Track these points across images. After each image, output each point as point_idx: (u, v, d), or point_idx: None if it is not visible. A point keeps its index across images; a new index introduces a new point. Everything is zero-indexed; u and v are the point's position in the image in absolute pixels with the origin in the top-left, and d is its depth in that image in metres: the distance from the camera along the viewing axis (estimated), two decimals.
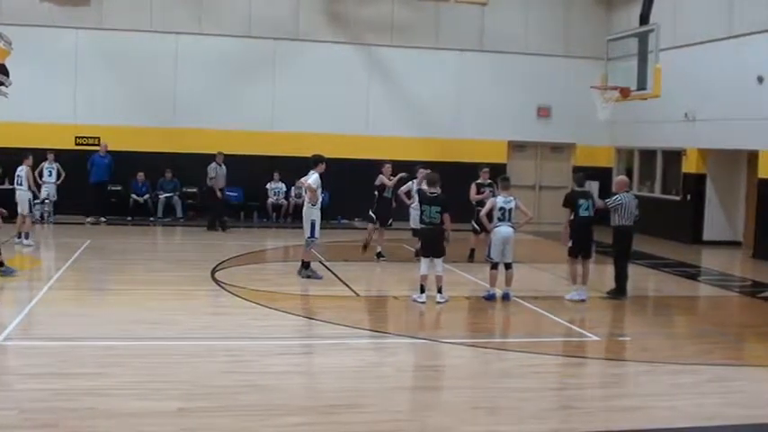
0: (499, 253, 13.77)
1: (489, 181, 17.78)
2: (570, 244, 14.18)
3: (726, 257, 20.90)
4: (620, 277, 14.50)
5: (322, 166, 15.22)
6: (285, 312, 12.41)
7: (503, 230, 13.71)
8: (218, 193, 22.42)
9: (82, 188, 22.62)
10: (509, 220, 13.79)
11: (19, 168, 18.52)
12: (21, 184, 18.34)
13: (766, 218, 20.10)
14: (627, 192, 14.48)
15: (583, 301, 13.90)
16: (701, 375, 9.82)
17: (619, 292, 14.42)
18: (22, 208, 18.15)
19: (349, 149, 23.92)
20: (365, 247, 17.85)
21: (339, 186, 21.65)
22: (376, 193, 17.72)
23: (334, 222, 23.68)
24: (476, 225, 17.71)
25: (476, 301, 14.06)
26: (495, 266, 13.82)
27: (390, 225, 18.02)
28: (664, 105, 20.41)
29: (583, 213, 14.02)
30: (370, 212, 17.87)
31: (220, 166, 22.40)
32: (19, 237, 17.92)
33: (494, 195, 15.64)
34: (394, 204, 17.95)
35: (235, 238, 21.04)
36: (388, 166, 17.89)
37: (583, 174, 15.13)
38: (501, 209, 13.73)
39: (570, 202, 14.20)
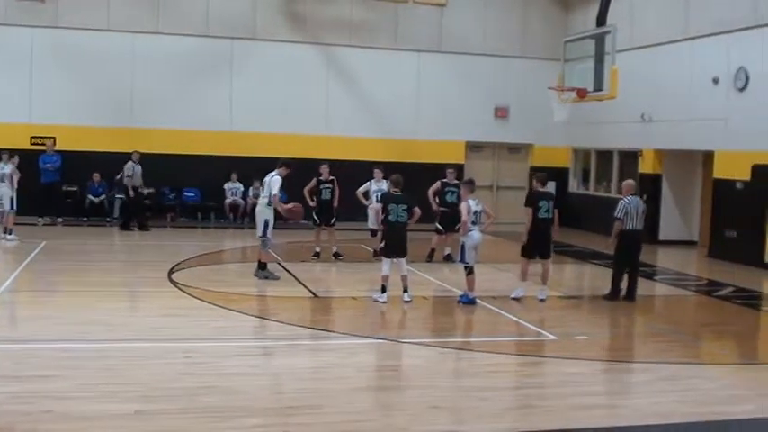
0: (474, 257, 13.71)
1: (456, 182, 17.69)
2: (524, 243, 14.21)
3: (681, 257, 21.16)
4: (616, 281, 14.44)
5: (284, 170, 15.25)
6: (243, 313, 12.34)
7: (476, 235, 13.51)
8: (131, 192, 22.30)
9: (37, 189, 22.32)
10: (478, 223, 13.72)
11: None
12: None
13: (721, 217, 20.36)
14: (633, 195, 14.43)
15: (542, 300, 13.97)
16: (657, 373, 9.93)
17: (612, 294, 14.41)
18: None
19: (308, 149, 23.74)
20: (317, 254, 17.88)
21: (298, 187, 21.55)
22: (307, 195, 17.93)
23: (293, 222, 23.50)
24: (439, 226, 17.78)
25: (435, 301, 14.10)
26: (471, 271, 13.60)
27: (333, 224, 18.01)
28: (620, 106, 20.57)
29: (542, 215, 14.03)
30: (313, 215, 17.90)
31: (137, 164, 22.25)
32: None
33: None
34: (336, 204, 17.96)
35: (192, 239, 20.90)
36: (325, 166, 18.00)
37: (545, 174, 15.03)
38: (475, 212, 13.53)
39: (532, 201, 14.21)
